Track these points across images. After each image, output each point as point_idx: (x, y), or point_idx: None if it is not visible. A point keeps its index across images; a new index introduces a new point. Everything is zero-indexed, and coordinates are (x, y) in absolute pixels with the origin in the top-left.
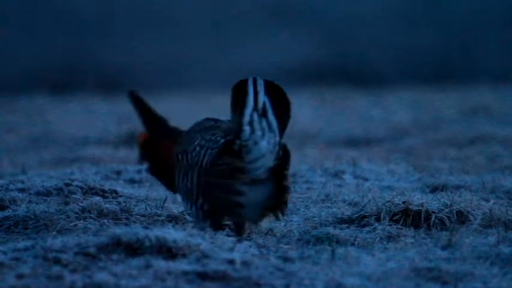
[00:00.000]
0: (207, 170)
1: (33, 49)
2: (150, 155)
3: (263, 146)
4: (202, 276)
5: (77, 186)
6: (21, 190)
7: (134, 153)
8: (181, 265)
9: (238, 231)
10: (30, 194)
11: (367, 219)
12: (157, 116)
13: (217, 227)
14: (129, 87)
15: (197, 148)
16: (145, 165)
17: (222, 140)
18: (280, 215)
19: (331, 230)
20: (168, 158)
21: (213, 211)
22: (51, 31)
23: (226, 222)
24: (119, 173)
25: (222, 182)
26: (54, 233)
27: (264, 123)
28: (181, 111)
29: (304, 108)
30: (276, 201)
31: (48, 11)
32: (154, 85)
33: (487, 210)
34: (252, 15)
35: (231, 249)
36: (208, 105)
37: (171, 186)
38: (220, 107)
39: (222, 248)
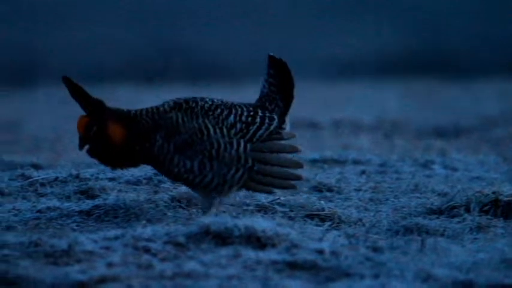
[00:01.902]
0: (258, 144)
1: (129, 39)
2: (93, 137)
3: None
4: (292, 265)
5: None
6: (111, 179)
7: None
8: (271, 254)
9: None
10: (120, 183)
11: (456, 209)
12: (94, 98)
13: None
14: (218, 76)
15: (239, 125)
16: (86, 148)
17: (276, 118)
18: None
19: (420, 220)
20: (116, 137)
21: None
22: (145, 21)
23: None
24: None
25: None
26: (144, 222)
27: None
28: None
29: (392, 98)
30: None
31: (144, 1)
32: (243, 74)
33: None
34: (343, 5)
35: (320, 239)
36: (296, 95)
37: (115, 163)
38: (305, 96)
39: (311, 238)
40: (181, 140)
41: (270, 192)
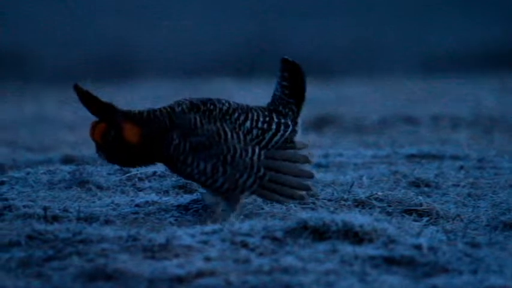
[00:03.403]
0: (273, 149)
1: (218, 34)
2: (111, 142)
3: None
4: (389, 261)
5: None
6: None
7: (322, 138)
8: (368, 250)
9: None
10: None
11: None
12: (106, 103)
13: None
14: (316, 72)
15: (255, 131)
16: (102, 154)
17: (291, 125)
18: None
19: None
20: (132, 137)
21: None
22: (235, 17)
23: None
24: None
25: (294, 166)
26: (242, 217)
27: None
28: (364, 95)
29: (489, 93)
30: None
31: None
32: (343, 69)
33: None
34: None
35: (418, 234)
36: (390, 89)
37: (133, 163)
38: (402, 91)
39: (408, 233)
40: (198, 141)
41: (279, 201)
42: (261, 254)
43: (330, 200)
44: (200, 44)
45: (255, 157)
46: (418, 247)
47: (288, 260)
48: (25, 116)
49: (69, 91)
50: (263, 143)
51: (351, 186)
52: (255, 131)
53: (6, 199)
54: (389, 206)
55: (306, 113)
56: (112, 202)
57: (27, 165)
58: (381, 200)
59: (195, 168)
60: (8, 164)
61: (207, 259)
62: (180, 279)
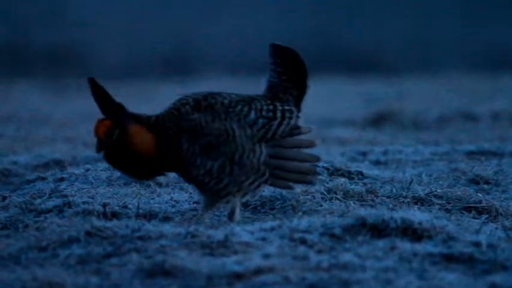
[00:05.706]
0: (279, 140)
1: (282, 31)
2: (115, 142)
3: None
4: (448, 258)
5: (323, 167)
6: None
7: (381, 134)
8: (427, 247)
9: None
10: None
11: None
12: (117, 103)
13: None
14: (375, 68)
15: (260, 121)
16: (103, 154)
17: (295, 110)
18: None
19: None
20: (144, 144)
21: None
22: (297, 13)
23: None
24: (364, 154)
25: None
26: (300, 213)
27: None
28: (424, 92)
29: None
30: None
31: None
32: (399, 65)
33: None
34: None
35: (477, 232)
36: (450, 86)
37: (138, 173)
38: (459, 87)
39: (467, 230)
40: (207, 141)
41: (289, 188)
42: (319, 251)
43: (388, 197)
44: (261, 40)
45: (262, 158)
46: (477, 244)
47: (347, 257)
48: (85, 113)
49: (129, 87)
50: (269, 133)
51: (410, 183)
52: (260, 121)
53: (65, 196)
54: (449, 203)
55: (366, 109)
56: (171, 199)
57: (87, 161)
58: (440, 197)
59: (202, 169)
60: (67, 160)
61: (266, 256)
62: (238, 276)
